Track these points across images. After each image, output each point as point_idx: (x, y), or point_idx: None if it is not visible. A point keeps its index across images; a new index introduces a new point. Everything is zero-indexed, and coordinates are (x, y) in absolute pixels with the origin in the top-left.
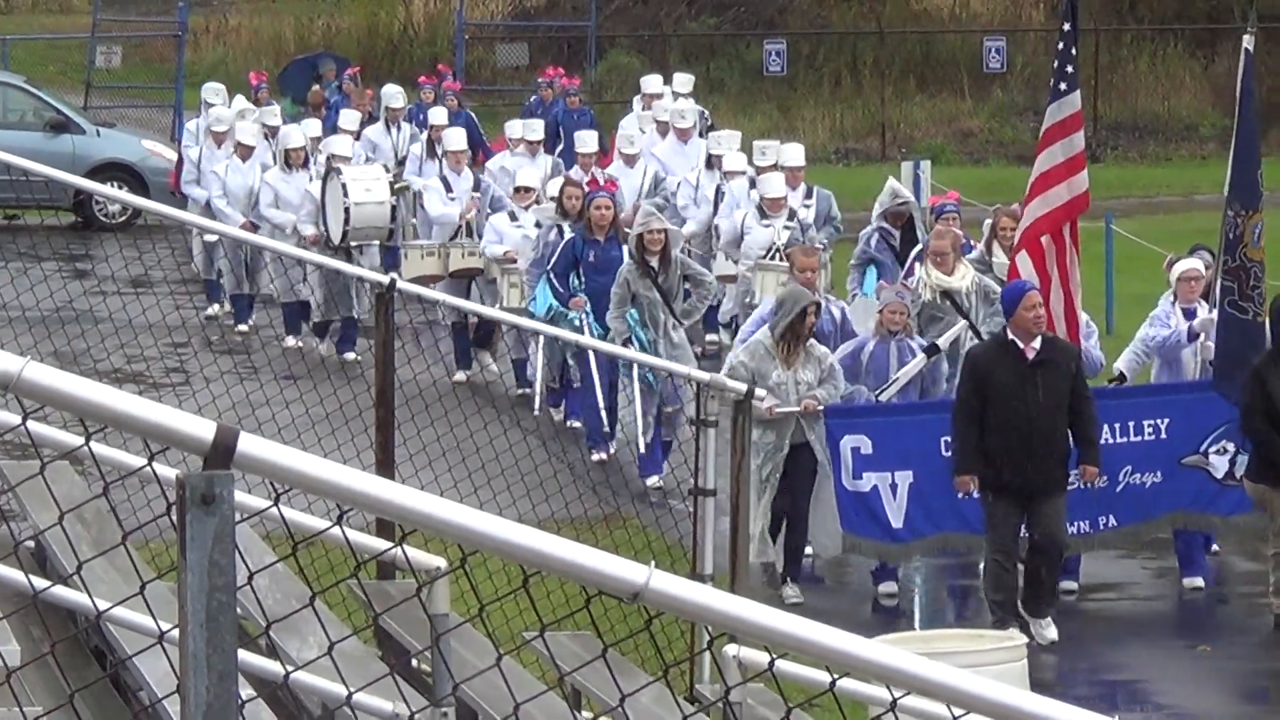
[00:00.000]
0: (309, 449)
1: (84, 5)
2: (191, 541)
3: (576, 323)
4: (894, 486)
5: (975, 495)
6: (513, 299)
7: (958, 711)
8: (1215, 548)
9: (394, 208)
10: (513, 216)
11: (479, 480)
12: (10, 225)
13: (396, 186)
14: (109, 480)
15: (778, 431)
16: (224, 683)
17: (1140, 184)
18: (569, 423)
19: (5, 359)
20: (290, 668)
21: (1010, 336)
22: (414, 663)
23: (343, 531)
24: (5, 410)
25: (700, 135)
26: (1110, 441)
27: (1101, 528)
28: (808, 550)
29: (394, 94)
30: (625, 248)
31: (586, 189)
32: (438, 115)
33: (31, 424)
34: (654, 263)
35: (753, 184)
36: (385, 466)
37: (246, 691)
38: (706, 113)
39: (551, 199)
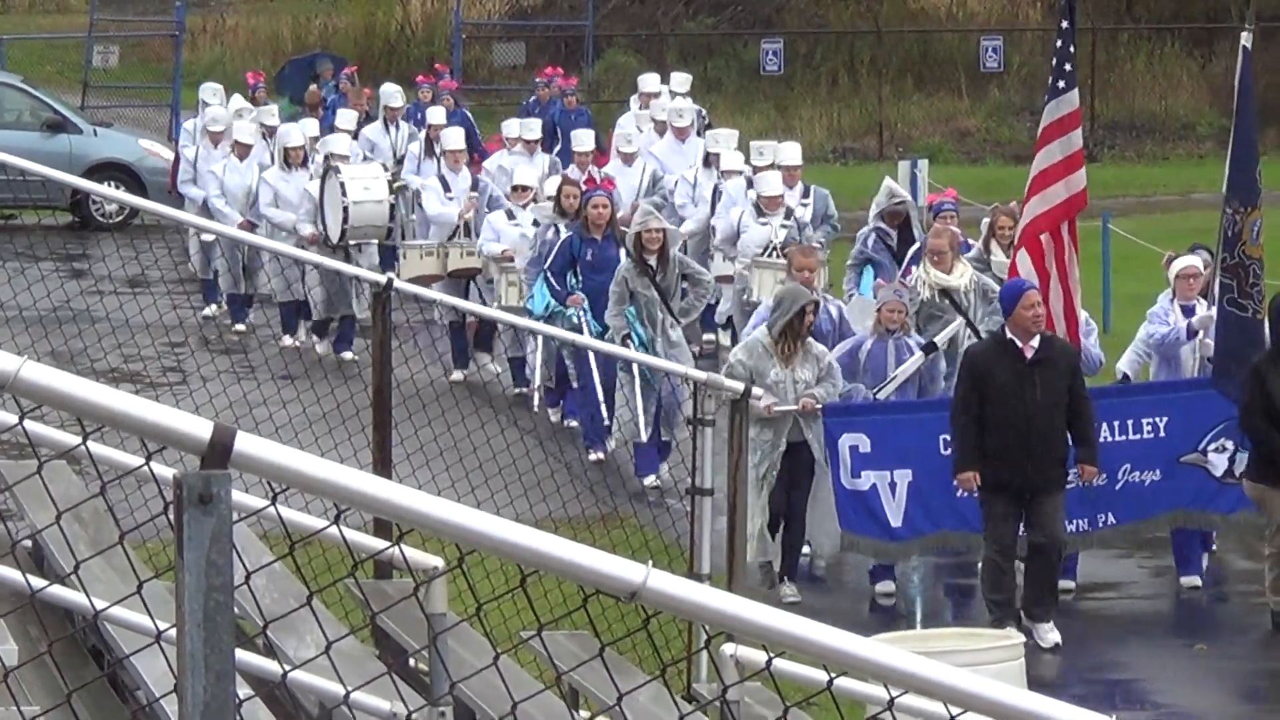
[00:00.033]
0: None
1: (81, 5)
2: (189, 541)
3: (575, 320)
4: (893, 485)
5: (977, 494)
6: (511, 297)
7: (955, 710)
8: (1214, 547)
9: (392, 207)
10: (510, 215)
11: (476, 480)
12: (7, 225)
13: (395, 185)
14: (106, 480)
15: (775, 429)
16: (221, 682)
17: (1137, 183)
18: (566, 422)
19: (2, 358)
20: (288, 667)
21: (1008, 336)
22: (411, 662)
23: (340, 531)
24: (3, 410)
25: (698, 134)
26: (1109, 440)
27: (1100, 526)
28: (805, 549)
29: (393, 93)
30: (622, 247)
31: (584, 188)
32: (436, 114)
33: (29, 423)
34: (652, 261)
35: (750, 183)
36: (382, 466)
37: (244, 691)
38: (704, 111)
39: (549, 198)
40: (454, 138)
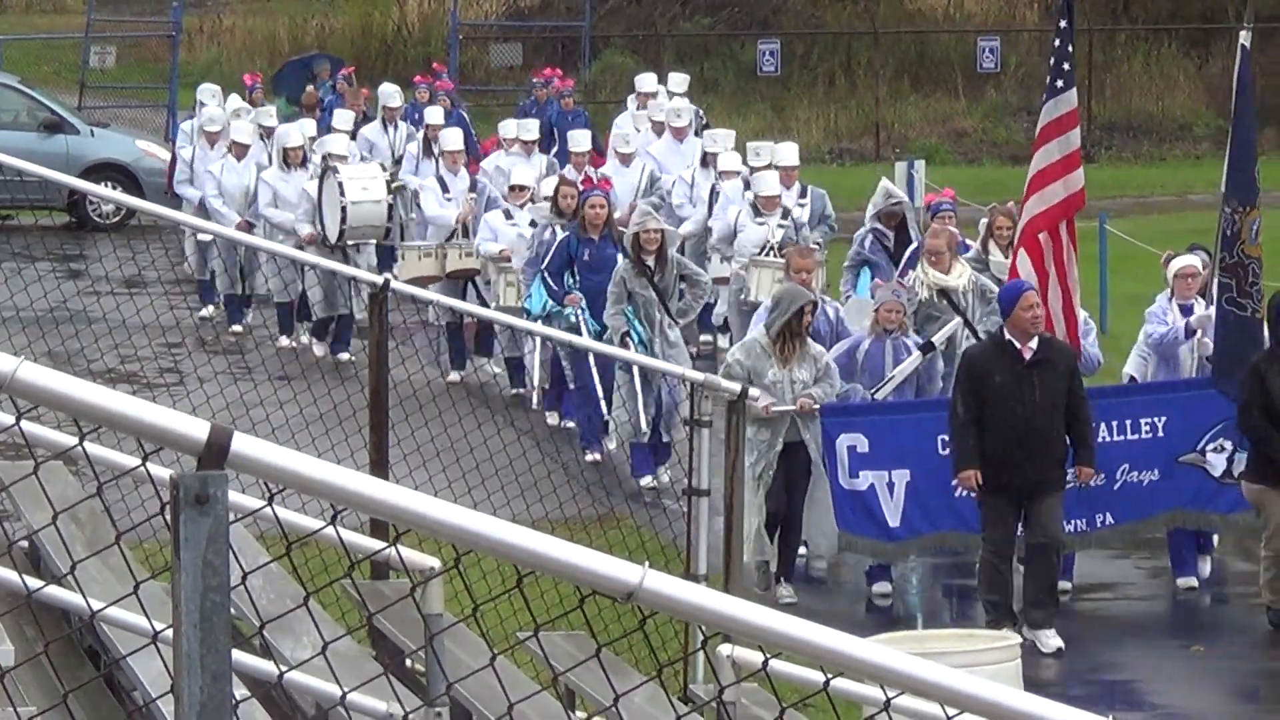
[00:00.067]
0: (303, 449)
1: (78, 5)
2: (185, 541)
3: (572, 319)
4: (891, 485)
5: (977, 493)
6: (508, 297)
7: (951, 711)
8: (1214, 552)
9: (391, 207)
10: (507, 215)
11: (473, 480)
12: (4, 225)
13: (393, 186)
14: (103, 480)
15: (772, 429)
16: (218, 683)
17: (1134, 184)
18: (563, 423)
19: (0, 359)
20: (284, 668)
21: (1007, 336)
22: (408, 663)
23: (337, 531)
24: (0, 410)
25: (695, 134)
26: (1108, 439)
27: (1099, 526)
28: (802, 550)
29: (391, 93)
30: (620, 248)
31: (581, 188)
32: (434, 115)
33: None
34: (650, 262)
35: (747, 184)
36: (379, 466)
37: (240, 691)
38: (701, 111)
39: (546, 198)
40: (452, 138)
